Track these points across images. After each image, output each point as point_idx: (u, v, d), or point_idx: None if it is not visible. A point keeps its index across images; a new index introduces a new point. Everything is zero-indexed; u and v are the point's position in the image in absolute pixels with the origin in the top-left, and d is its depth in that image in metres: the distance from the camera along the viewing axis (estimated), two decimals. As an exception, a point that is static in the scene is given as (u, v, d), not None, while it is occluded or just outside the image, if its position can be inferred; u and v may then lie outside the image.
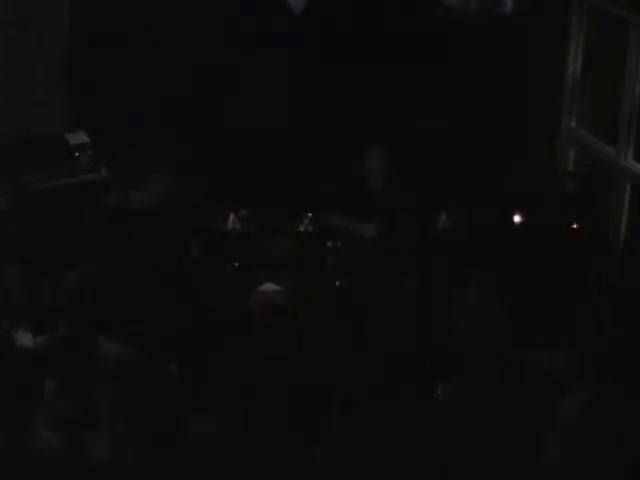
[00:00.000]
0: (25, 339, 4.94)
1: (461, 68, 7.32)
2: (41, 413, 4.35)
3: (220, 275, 6.41)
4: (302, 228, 6.78)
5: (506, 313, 4.58)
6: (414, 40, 7.40)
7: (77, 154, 7.08)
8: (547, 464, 4.11)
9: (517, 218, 6.70)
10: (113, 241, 6.16)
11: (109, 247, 5.96)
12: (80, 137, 7.14)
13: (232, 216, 6.78)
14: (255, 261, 6.48)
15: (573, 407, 4.08)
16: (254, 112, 7.44)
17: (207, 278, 6.37)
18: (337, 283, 6.40)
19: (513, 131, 7.38)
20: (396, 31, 7.43)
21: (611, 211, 6.74)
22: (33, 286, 5.67)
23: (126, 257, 5.99)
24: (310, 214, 6.79)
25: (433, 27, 7.31)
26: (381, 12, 7.43)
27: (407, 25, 7.43)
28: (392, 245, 6.57)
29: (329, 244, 6.59)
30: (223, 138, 7.45)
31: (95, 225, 6.35)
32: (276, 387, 4.62)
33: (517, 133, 7.40)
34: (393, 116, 7.37)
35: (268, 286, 5.24)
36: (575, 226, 6.57)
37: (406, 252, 6.50)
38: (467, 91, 7.33)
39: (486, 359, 4.42)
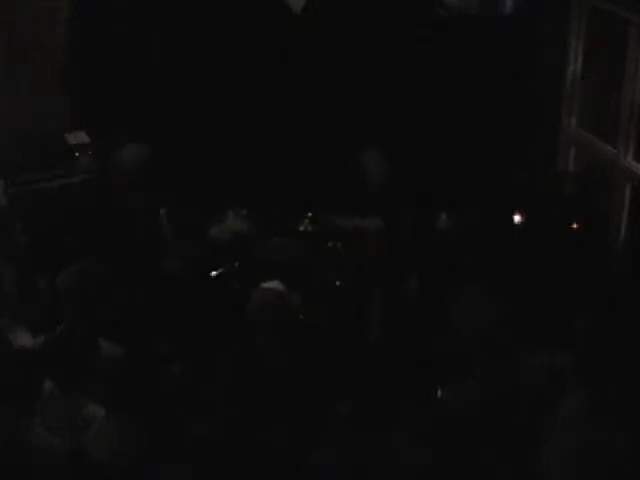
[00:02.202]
0: (24, 339, 4.94)
1: (461, 68, 7.32)
2: (41, 413, 4.34)
3: (220, 275, 6.41)
4: (302, 228, 6.78)
5: (506, 313, 4.57)
6: (414, 40, 7.40)
7: (77, 154, 7.09)
8: (547, 465, 4.11)
9: (517, 218, 6.70)
10: (110, 240, 6.16)
11: (105, 246, 5.95)
12: (80, 137, 7.15)
13: (232, 216, 6.79)
14: (255, 261, 6.48)
15: (574, 408, 4.08)
16: (253, 111, 7.44)
17: (207, 278, 6.38)
18: (337, 283, 6.40)
19: (513, 131, 7.39)
20: (396, 31, 7.43)
21: (611, 211, 6.74)
22: (32, 285, 5.68)
23: (124, 257, 5.99)
24: (310, 214, 6.80)
25: (433, 27, 7.31)
26: (381, 11, 7.43)
27: (407, 25, 7.43)
28: (392, 245, 6.57)
29: (329, 244, 6.59)
30: (222, 138, 7.45)
31: (92, 224, 6.35)
32: (274, 387, 4.61)
33: (517, 133, 7.40)
34: (393, 116, 7.37)
35: (270, 284, 5.25)
36: (575, 226, 6.57)
37: (406, 252, 6.50)
38: (467, 91, 7.33)
39: (487, 360, 4.42)
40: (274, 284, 5.25)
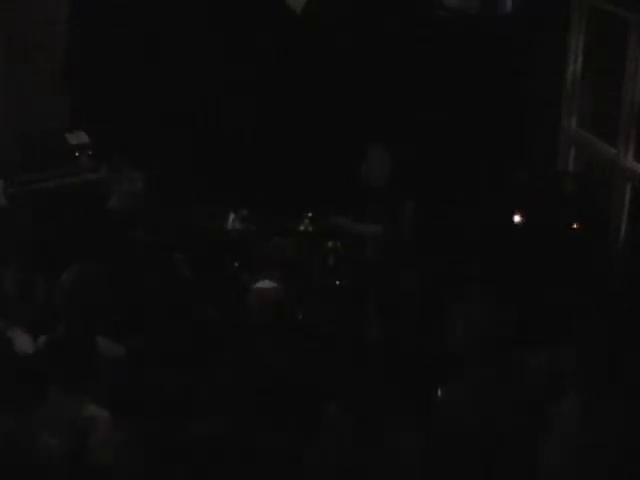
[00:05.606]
0: (24, 340, 4.93)
1: (461, 68, 7.33)
2: (41, 414, 4.34)
3: (219, 275, 6.41)
4: (302, 228, 6.78)
5: (506, 313, 4.57)
6: (414, 40, 7.40)
7: (77, 154, 7.09)
8: (547, 465, 4.11)
9: (517, 218, 6.70)
10: (109, 241, 6.16)
11: (104, 247, 5.96)
12: (80, 137, 7.15)
13: (232, 216, 6.79)
14: (255, 261, 6.48)
15: (574, 408, 4.08)
16: (253, 111, 7.45)
17: (206, 278, 6.37)
18: (337, 283, 6.40)
19: (513, 131, 7.39)
20: (396, 31, 7.43)
21: (611, 211, 6.74)
22: (32, 286, 5.67)
23: (122, 257, 5.99)
24: (310, 214, 6.80)
25: (433, 27, 7.32)
26: (381, 12, 7.43)
27: (407, 25, 7.44)
28: (392, 245, 6.58)
29: (329, 244, 6.59)
30: (223, 138, 7.45)
31: (92, 225, 6.36)
32: (273, 387, 4.62)
33: (517, 133, 7.40)
34: (393, 116, 7.37)
35: (264, 283, 5.25)
36: (575, 226, 6.57)
37: (406, 252, 6.51)
38: (467, 91, 7.33)
39: (486, 360, 4.42)
40: (265, 283, 5.25)
